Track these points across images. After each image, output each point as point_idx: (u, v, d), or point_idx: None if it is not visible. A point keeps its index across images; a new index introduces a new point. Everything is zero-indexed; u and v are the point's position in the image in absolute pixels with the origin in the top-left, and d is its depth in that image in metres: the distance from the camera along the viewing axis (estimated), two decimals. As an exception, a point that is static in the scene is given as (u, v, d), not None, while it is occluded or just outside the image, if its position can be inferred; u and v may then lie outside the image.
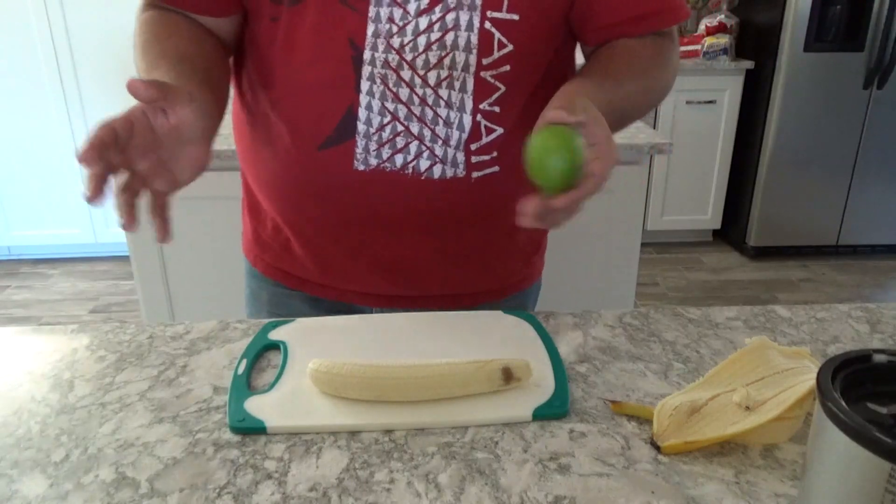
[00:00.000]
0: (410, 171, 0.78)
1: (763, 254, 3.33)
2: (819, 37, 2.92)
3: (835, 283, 3.10)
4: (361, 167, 0.77)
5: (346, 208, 0.81)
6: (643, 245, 1.91)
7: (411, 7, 0.72)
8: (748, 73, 3.15)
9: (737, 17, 3.29)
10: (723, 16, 3.26)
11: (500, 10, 0.73)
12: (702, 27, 3.30)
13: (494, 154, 0.79)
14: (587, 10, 0.78)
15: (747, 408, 0.56)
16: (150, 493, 0.52)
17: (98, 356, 0.71)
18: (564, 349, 0.71)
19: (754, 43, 3.20)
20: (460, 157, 0.78)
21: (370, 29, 0.72)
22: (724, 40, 3.15)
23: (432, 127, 0.76)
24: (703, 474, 0.53)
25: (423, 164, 0.78)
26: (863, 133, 3.07)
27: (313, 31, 0.73)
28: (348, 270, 0.86)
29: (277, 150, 0.81)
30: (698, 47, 3.19)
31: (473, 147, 0.78)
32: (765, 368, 0.61)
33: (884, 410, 0.40)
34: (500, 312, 0.78)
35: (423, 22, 0.73)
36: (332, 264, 0.87)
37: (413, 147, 0.77)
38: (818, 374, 0.42)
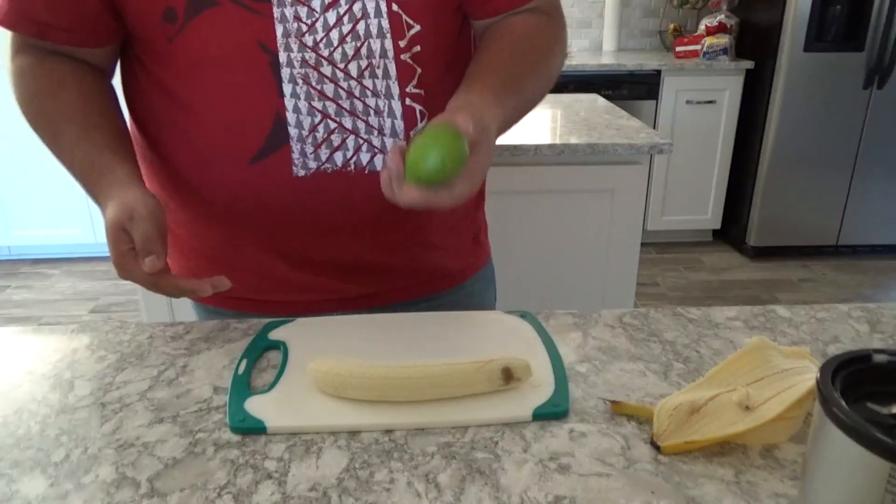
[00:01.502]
0: (353, 167, 0.77)
1: (763, 254, 3.33)
2: (819, 37, 2.92)
3: (835, 283, 3.10)
4: (301, 172, 0.76)
5: (289, 218, 0.79)
6: (643, 245, 1.91)
7: (316, 3, 0.72)
8: (748, 73, 3.15)
9: (737, 17, 3.29)
10: (723, 16, 3.26)
11: None
12: (702, 27, 3.31)
13: None
14: None
15: (747, 408, 0.56)
16: (150, 493, 0.52)
17: (98, 356, 0.71)
18: (564, 349, 0.71)
19: (754, 43, 3.20)
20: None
21: (279, 30, 0.71)
22: (724, 40, 3.15)
23: (365, 118, 0.76)
24: (703, 474, 0.53)
25: (364, 157, 0.77)
26: (863, 133, 3.07)
27: (220, 41, 0.71)
28: (298, 280, 0.85)
29: (202, 174, 0.78)
30: (698, 47, 3.19)
31: (413, 133, 0.78)
32: (765, 368, 0.61)
33: (884, 410, 0.40)
34: (500, 312, 0.78)
35: (332, 16, 0.72)
36: (280, 278, 0.85)
37: (350, 142, 0.76)
38: (818, 374, 0.42)
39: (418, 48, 0.77)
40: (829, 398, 0.40)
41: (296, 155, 0.76)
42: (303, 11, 0.72)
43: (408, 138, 0.78)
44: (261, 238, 0.82)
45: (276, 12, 0.71)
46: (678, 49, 3.27)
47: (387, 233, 0.83)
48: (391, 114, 0.77)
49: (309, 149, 0.76)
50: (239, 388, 0.63)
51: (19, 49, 0.77)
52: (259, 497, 0.51)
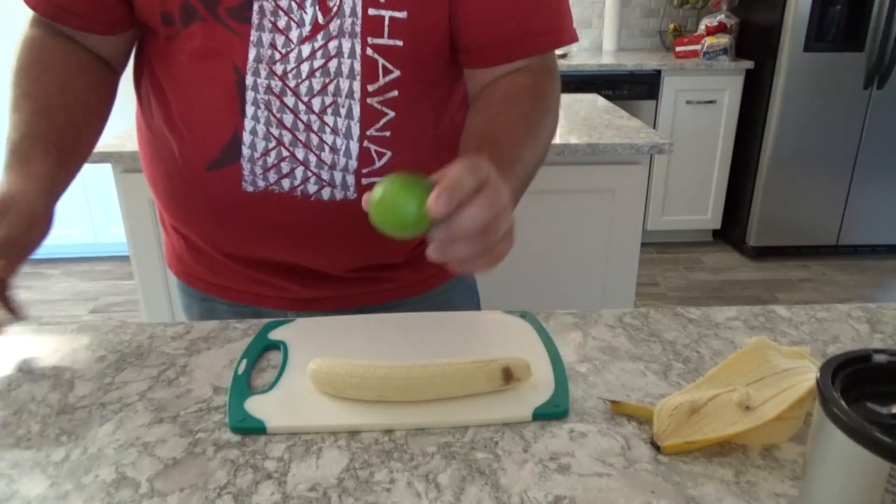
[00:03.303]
0: (299, 193, 0.78)
1: (763, 254, 3.33)
2: (819, 37, 2.92)
3: (835, 283, 3.10)
4: (250, 188, 0.77)
5: (239, 225, 0.81)
6: (643, 245, 1.91)
7: (293, 34, 0.72)
8: (748, 73, 3.15)
9: (737, 17, 3.29)
10: (723, 16, 3.26)
11: (381, 37, 0.72)
12: (702, 27, 3.31)
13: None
14: (468, 29, 0.75)
15: (747, 408, 0.56)
16: (150, 493, 0.52)
17: (98, 356, 0.71)
18: (564, 349, 0.71)
19: (754, 43, 3.20)
20: (350, 180, 0.77)
21: (252, 54, 0.72)
22: (724, 40, 3.15)
23: (318, 153, 0.76)
24: (703, 474, 0.53)
25: (311, 187, 0.77)
26: (863, 133, 3.07)
27: (199, 54, 0.74)
28: (255, 278, 0.87)
29: (170, 166, 0.81)
30: (698, 47, 3.19)
31: (365, 171, 0.78)
32: (765, 368, 0.61)
33: (884, 410, 0.40)
34: (499, 312, 0.78)
35: (306, 49, 0.72)
36: (238, 273, 0.87)
37: (299, 172, 0.77)
38: (818, 374, 0.42)
39: (395, 93, 0.75)
40: (829, 398, 0.40)
41: (245, 172, 0.77)
42: (279, 40, 0.72)
43: (359, 175, 0.78)
44: (213, 238, 0.85)
45: (253, 36, 0.72)
46: (678, 49, 3.27)
47: (332, 250, 0.84)
48: (347, 153, 0.76)
49: (258, 170, 0.77)
50: (239, 388, 0.63)
51: (34, 22, 0.79)
52: (259, 497, 0.51)
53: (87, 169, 3.08)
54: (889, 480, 0.36)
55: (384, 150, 0.78)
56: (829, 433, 0.39)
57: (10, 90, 0.76)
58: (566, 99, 2.27)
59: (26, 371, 0.69)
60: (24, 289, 3.07)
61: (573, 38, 0.82)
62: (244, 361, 0.68)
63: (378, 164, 0.78)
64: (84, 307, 2.90)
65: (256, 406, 0.61)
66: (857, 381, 0.42)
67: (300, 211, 0.78)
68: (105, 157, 1.63)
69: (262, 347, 0.71)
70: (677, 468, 0.53)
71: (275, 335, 0.73)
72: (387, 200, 0.54)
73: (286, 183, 0.77)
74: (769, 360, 0.62)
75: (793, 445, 0.56)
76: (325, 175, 0.77)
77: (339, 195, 0.78)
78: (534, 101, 0.78)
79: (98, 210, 3.18)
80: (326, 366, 0.61)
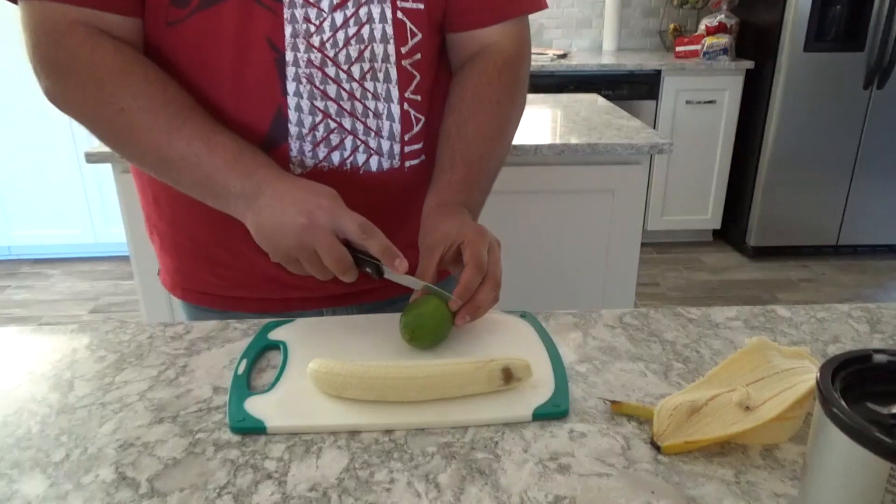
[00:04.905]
0: (348, 166, 0.78)
1: (763, 254, 3.33)
2: (819, 37, 2.92)
3: (835, 283, 3.10)
4: (298, 170, 0.77)
5: None
6: (643, 245, 1.91)
7: (324, 4, 0.73)
8: (748, 73, 3.15)
9: (737, 17, 3.29)
10: (723, 16, 3.26)
11: (407, 0, 0.76)
12: (702, 27, 3.30)
13: (422, 144, 0.83)
14: None
15: (747, 408, 0.56)
16: (150, 493, 0.52)
17: (98, 356, 0.71)
18: (564, 349, 0.71)
19: (754, 43, 3.20)
20: (396, 147, 0.80)
21: (288, 30, 0.72)
22: (724, 40, 3.14)
23: (363, 120, 0.77)
24: (703, 474, 0.53)
25: (360, 157, 0.79)
26: (863, 133, 3.07)
27: (230, 34, 0.71)
28: (286, 279, 0.84)
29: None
30: (698, 47, 3.19)
31: (407, 137, 0.80)
32: (765, 368, 0.61)
33: (884, 410, 0.40)
34: (499, 312, 0.78)
35: (339, 17, 0.74)
36: (270, 277, 0.84)
37: (348, 142, 0.78)
38: (818, 374, 0.42)
39: (419, 56, 0.79)
40: (829, 398, 0.40)
41: (294, 153, 0.77)
42: (312, 13, 0.73)
43: (403, 143, 0.80)
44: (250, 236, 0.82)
45: (287, 13, 0.72)
46: (678, 49, 3.27)
47: (378, 225, 0.83)
48: (390, 117, 0.79)
49: (307, 147, 0.76)
50: (239, 388, 0.63)
51: (65, 32, 0.69)
52: (259, 497, 0.51)
53: (87, 169, 3.08)
54: (889, 480, 0.36)
55: (419, 115, 0.81)
56: (829, 433, 0.39)
57: (116, 96, 0.69)
58: (566, 99, 2.27)
59: (26, 371, 0.69)
60: (25, 289, 3.07)
61: (545, 5, 0.87)
62: (244, 361, 0.68)
63: (416, 129, 0.81)
64: (84, 307, 2.89)
65: (256, 406, 0.60)
66: (857, 381, 0.42)
67: (348, 186, 0.77)
68: (105, 158, 1.63)
69: (262, 347, 0.71)
70: (677, 468, 0.53)
71: (275, 335, 0.73)
72: (421, 325, 0.69)
73: (336, 157, 0.78)
74: (769, 360, 0.62)
75: (793, 445, 0.56)
76: (372, 143, 0.78)
77: (385, 164, 0.80)
78: (501, 101, 0.83)
79: (98, 210, 3.18)
80: (326, 366, 0.61)
